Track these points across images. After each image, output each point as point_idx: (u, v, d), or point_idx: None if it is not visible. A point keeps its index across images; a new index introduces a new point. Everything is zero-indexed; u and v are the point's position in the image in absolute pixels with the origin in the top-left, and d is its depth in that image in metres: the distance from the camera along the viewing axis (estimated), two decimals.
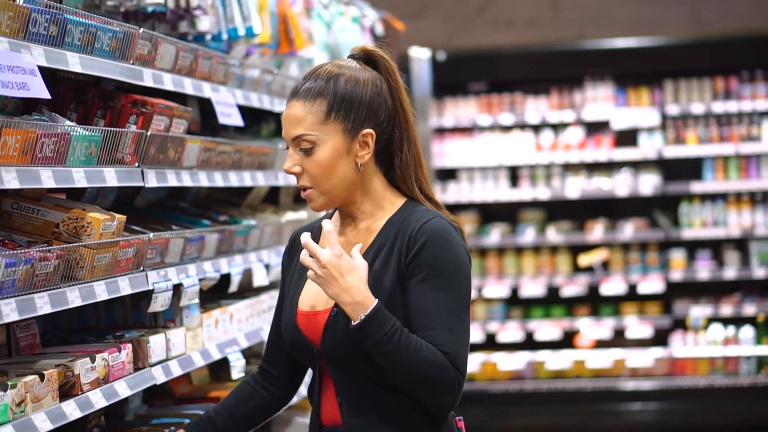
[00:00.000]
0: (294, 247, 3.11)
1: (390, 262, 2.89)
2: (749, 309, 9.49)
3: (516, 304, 9.92)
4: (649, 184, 9.67)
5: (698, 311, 9.58)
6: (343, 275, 2.78)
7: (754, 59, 9.65)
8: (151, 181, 3.74)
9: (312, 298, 2.96)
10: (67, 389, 3.25)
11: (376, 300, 2.79)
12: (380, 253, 2.91)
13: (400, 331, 2.79)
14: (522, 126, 9.91)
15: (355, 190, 2.95)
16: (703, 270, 9.60)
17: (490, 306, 9.87)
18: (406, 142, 2.98)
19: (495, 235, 9.81)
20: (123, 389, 3.48)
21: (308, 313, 2.96)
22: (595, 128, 9.86)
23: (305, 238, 2.83)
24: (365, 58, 3.00)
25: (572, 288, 9.79)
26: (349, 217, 3.00)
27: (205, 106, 4.64)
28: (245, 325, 4.58)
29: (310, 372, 3.10)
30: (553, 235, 9.79)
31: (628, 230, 9.73)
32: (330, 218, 3.09)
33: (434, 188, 7.89)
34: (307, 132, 2.89)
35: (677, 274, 9.63)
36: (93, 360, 3.34)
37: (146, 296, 3.80)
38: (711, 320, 9.65)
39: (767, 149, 9.46)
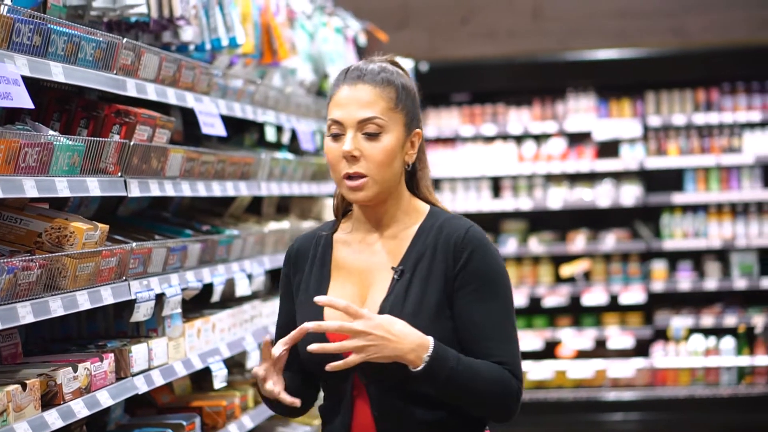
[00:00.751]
0: (299, 256, 2.98)
1: (433, 273, 2.82)
2: (730, 320, 9.53)
3: None
4: (630, 195, 9.70)
5: (679, 322, 9.61)
6: (389, 330, 2.69)
7: (735, 71, 9.70)
8: (134, 191, 3.74)
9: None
10: (50, 399, 3.24)
11: (430, 337, 2.73)
12: (420, 262, 2.84)
13: (460, 357, 2.74)
14: (504, 137, 9.94)
15: (393, 191, 2.88)
16: (684, 281, 9.63)
17: None
18: (423, 153, 2.97)
19: None
20: (105, 399, 3.48)
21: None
22: (577, 139, 9.90)
23: (335, 324, 2.70)
24: None
25: (554, 298, 9.81)
26: (372, 224, 2.91)
27: (189, 116, 4.64)
28: (228, 335, 4.58)
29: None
30: (535, 245, 9.81)
31: (610, 241, 9.76)
32: (334, 230, 2.97)
33: None
34: (379, 116, 2.82)
35: (658, 285, 9.66)
36: (75, 369, 3.34)
37: (129, 306, 3.79)
38: (692, 331, 9.68)
39: (748, 161, 9.51)
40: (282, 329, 2.99)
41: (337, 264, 2.93)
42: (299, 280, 2.97)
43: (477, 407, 2.80)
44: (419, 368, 2.70)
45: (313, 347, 2.70)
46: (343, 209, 3.00)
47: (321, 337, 2.80)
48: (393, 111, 2.84)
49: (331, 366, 2.71)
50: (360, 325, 2.68)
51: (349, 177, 2.82)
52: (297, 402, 2.80)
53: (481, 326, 2.79)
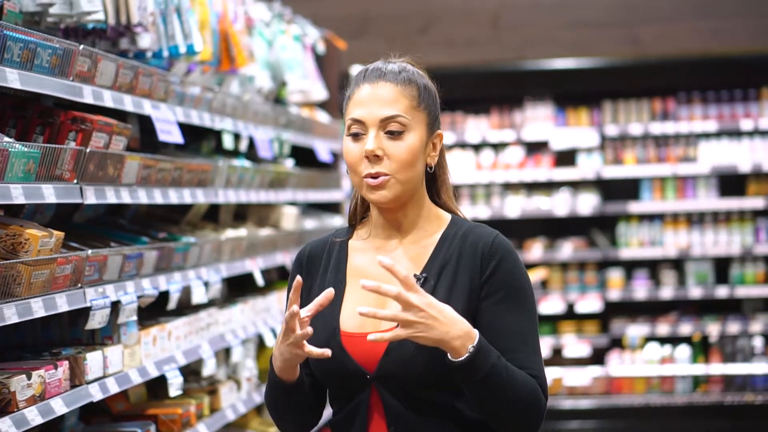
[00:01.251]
0: (311, 261, 2.89)
1: (458, 281, 2.74)
2: (685, 328, 9.60)
3: None
4: (587, 203, 9.75)
5: (635, 330, 9.68)
6: (441, 312, 2.58)
7: (691, 81, 9.79)
8: (90, 198, 3.72)
9: (359, 317, 2.70)
10: (3, 406, 3.23)
11: (475, 329, 2.62)
12: (444, 270, 2.76)
13: (500, 356, 2.63)
14: (462, 145, 9.98)
15: (414, 194, 2.81)
16: (640, 289, 9.70)
17: None
18: (444, 157, 2.92)
19: None
20: (59, 406, 3.47)
21: (357, 335, 2.72)
22: (535, 148, 9.95)
23: (394, 290, 2.56)
24: None
25: None
26: (393, 229, 2.83)
27: (146, 123, 4.63)
28: (183, 342, 4.57)
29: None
30: None
31: (567, 249, 9.80)
32: (349, 237, 2.89)
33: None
34: (402, 114, 2.75)
35: (615, 294, 9.72)
36: (29, 377, 3.32)
37: (84, 313, 3.78)
38: (648, 339, 9.75)
39: (704, 170, 9.59)
40: None
41: (354, 271, 2.84)
42: (311, 285, 2.87)
43: (505, 414, 2.67)
44: (462, 358, 2.59)
45: (363, 309, 2.56)
46: (360, 216, 2.93)
47: (333, 334, 2.73)
48: (416, 110, 2.78)
49: (373, 336, 2.58)
50: (415, 298, 2.56)
51: (371, 176, 2.74)
52: (328, 353, 2.64)
53: (509, 336, 2.70)
